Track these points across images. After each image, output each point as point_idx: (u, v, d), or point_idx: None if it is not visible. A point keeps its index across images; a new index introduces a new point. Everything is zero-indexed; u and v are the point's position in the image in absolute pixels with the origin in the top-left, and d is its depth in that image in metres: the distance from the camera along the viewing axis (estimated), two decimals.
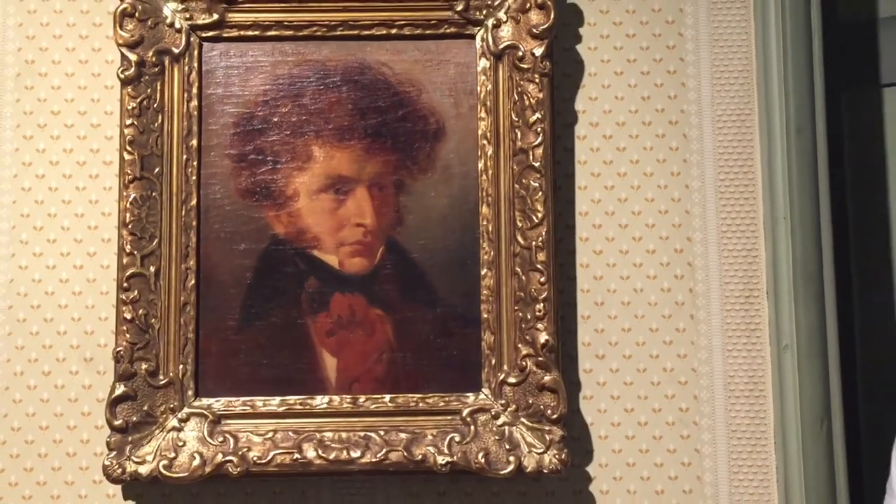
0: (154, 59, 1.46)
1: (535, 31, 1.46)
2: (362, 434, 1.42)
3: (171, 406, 1.42)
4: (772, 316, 1.46)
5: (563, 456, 1.39)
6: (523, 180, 1.45)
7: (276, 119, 1.49)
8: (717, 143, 1.50)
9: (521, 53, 1.46)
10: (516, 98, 1.46)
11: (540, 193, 1.44)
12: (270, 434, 1.41)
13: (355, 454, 1.40)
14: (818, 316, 1.43)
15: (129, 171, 1.44)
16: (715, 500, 1.45)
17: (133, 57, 1.45)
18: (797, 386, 1.44)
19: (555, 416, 1.40)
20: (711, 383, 1.47)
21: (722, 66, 1.54)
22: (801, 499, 1.40)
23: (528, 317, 1.43)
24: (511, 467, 1.39)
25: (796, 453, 1.40)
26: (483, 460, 1.39)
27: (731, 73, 1.53)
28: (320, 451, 1.40)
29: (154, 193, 1.45)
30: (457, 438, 1.41)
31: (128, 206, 1.43)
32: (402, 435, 1.41)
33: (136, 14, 1.46)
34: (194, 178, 1.47)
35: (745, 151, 1.48)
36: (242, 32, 1.50)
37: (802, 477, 1.39)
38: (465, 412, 1.42)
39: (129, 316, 1.41)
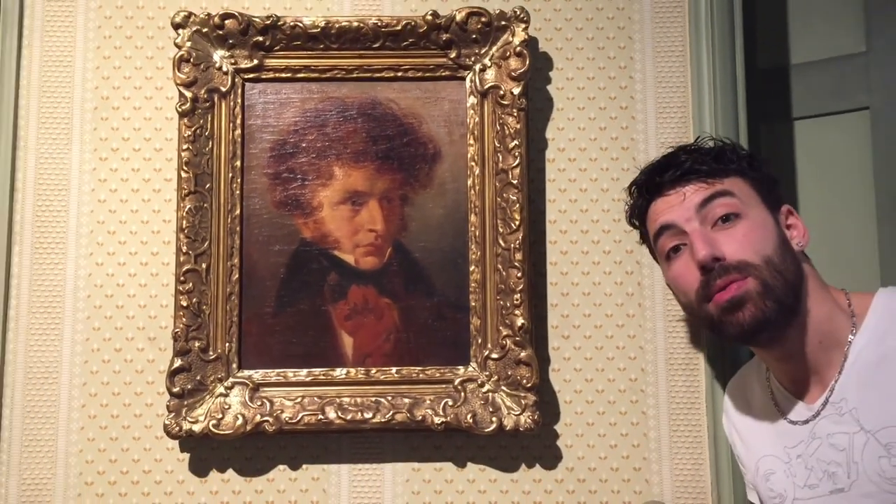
0: (205, 96, 1.53)
1: (513, 74, 1.53)
2: (373, 399, 1.50)
3: (219, 376, 1.51)
4: None
5: (536, 417, 1.48)
6: (504, 194, 1.52)
7: (304, 145, 1.56)
8: None
9: (502, 92, 1.54)
10: (498, 128, 1.54)
11: (517, 205, 1.51)
12: (299, 399, 1.50)
13: (368, 415, 1.49)
14: None
15: (185, 187, 1.51)
16: (658, 453, 1.54)
17: (188, 94, 1.53)
18: (724, 359, 1.52)
19: (529, 385, 1.49)
20: (655, 358, 1.56)
21: (664, 103, 1.61)
22: (727, 451, 1.48)
23: (508, 305, 1.51)
24: (494, 426, 1.48)
25: (722, 413, 1.45)
26: (471, 420, 1.48)
27: (671, 110, 1.61)
28: (339, 413, 1.49)
29: (205, 204, 1.52)
30: (450, 403, 1.50)
31: (184, 214, 1.51)
32: (406, 400, 1.50)
33: (191, 59, 1.53)
34: (238, 192, 1.54)
35: None
36: (277, 74, 1.56)
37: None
38: (456, 381, 1.51)
39: (185, 303, 1.50)
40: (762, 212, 1.19)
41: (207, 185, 1.54)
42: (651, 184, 1.26)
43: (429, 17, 1.56)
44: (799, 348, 1.16)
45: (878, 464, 1.06)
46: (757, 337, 1.16)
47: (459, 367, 1.54)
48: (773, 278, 1.12)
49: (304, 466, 1.55)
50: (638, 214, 1.31)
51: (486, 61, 1.57)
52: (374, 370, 1.54)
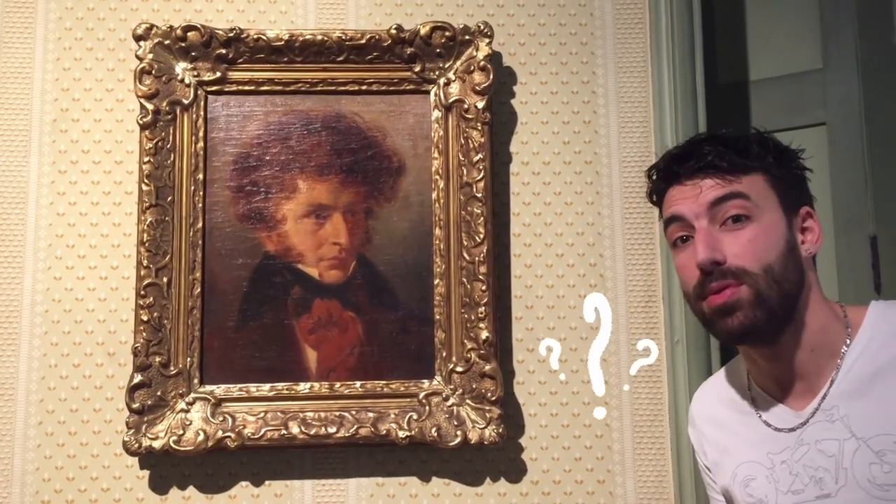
0: (167, 108, 1.48)
1: (477, 88, 1.50)
2: (337, 413, 1.45)
3: (180, 392, 1.45)
4: (666, 317, 1.52)
5: (501, 430, 1.44)
6: (468, 208, 1.49)
7: (268, 158, 1.51)
8: (623, 180, 1.56)
9: (466, 106, 1.50)
10: (462, 142, 1.50)
11: (482, 218, 1.48)
12: (262, 414, 1.45)
13: (332, 430, 1.44)
14: None
15: (146, 200, 1.45)
16: (622, 465, 1.50)
17: (150, 106, 1.47)
18: (686, 373, 1.50)
19: (494, 398, 1.44)
20: (619, 371, 1.52)
21: (626, 118, 1.58)
22: (690, 463, 1.45)
23: (472, 318, 1.46)
24: (458, 440, 1.43)
25: (685, 427, 1.42)
26: (436, 434, 1.44)
27: (633, 124, 1.58)
28: (303, 428, 1.44)
29: (167, 218, 1.46)
30: (414, 416, 1.45)
31: (145, 227, 1.45)
32: (370, 414, 1.45)
33: (153, 72, 1.48)
34: (200, 205, 1.48)
35: (645, 187, 1.42)
36: (241, 87, 1.51)
37: (690, 445, 1.39)
38: (421, 395, 1.46)
39: (145, 318, 1.44)
40: (775, 214, 1.13)
41: (169, 198, 1.48)
42: (669, 171, 1.19)
43: (393, 31, 1.52)
44: (790, 353, 1.13)
45: (868, 470, 1.03)
46: (744, 342, 1.13)
47: (424, 380, 1.49)
48: (769, 288, 1.08)
49: (267, 482, 1.49)
50: (657, 194, 1.25)
51: (451, 75, 1.53)
52: (338, 384, 1.48)
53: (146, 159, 1.47)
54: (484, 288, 1.47)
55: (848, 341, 1.11)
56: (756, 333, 1.09)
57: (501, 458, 1.50)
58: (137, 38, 1.49)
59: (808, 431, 1.10)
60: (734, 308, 1.08)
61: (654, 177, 1.23)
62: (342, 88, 1.53)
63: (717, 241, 1.10)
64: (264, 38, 1.50)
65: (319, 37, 1.51)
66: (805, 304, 1.12)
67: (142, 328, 1.44)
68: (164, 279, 1.46)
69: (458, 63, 1.52)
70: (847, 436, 1.06)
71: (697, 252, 1.10)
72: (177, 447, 1.42)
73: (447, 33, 1.51)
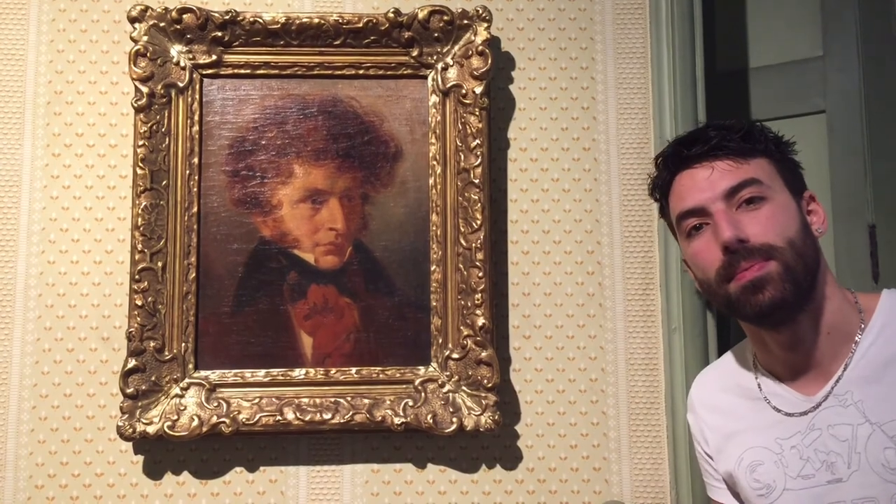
0: (162, 91, 1.45)
1: (475, 73, 1.47)
2: (333, 400, 1.43)
3: (175, 377, 1.42)
4: (663, 304, 1.50)
5: (497, 417, 1.42)
6: (465, 194, 1.46)
7: (263, 142, 1.48)
8: (621, 166, 1.54)
9: (464, 91, 1.48)
10: (460, 127, 1.47)
11: (479, 205, 1.45)
12: (257, 400, 1.43)
13: (327, 416, 1.42)
14: (700, 304, 1.49)
15: (140, 184, 1.43)
16: (618, 454, 1.48)
17: (145, 89, 1.44)
18: (683, 361, 1.48)
19: (490, 385, 1.42)
20: (615, 358, 1.50)
21: (625, 104, 1.55)
22: (686, 451, 1.44)
23: (469, 304, 1.44)
24: (454, 426, 1.42)
25: (682, 415, 1.42)
26: (431, 421, 1.42)
27: (632, 110, 1.55)
28: (298, 414, 1.42)
29: (161, 202, 1.44)
30: (410, 403, 1.43)
31: (140, 212, 1.43)
32: (366, 400, 1.43)
33: (148, 54, 1.45)
34: (195, 189, 1.46)
35: (643, 174, 1.50)
36: (236, 71, 1.48)
37: (686, 434, 1.42)
38: (417, 382, 1.44)
39: (139, 303, 1.41)
40: (786, 195, 1.13)
41: (164, 182, 1.46)
42: (678, 157, 1.18)
43: (391, 15, 1.49)
44: (808, 336, 1.12)
45: (882, 454, 1.03)
46: (771, 318, 1.11)
47: (420, 367, 1.47)
48: (795, 261, 1.08)
49: (262, 468, 1.47)
50: (661, 187, 1.23)
51: (449, 60, 1.50)
52: (333, 370, 1.46)
53: (141, 142, 1.44)
54: (481, 274, 1.45)
55: (862, 326, 1.10)
56: (786, 308, 1.08)
57: (497, 446, 1.49)
58: (132, 20, 1.46)
59: (820, 416, 1.09)
60: (764, 283, 1.07)
61: (661, 165, 1.21)
62: (339, 72, 1.50)
63: (737, 220, 1.09)
64: (260, 21, 1.47)
65: (316, 20, 1.48)
66: (822, 285, 1.12)
67: (136, 313, 1.42)
68: (159, 264, 1.43)
69: (456, 47, 1.50)
70: (861, 420, 1.05)
71: (721, 231, 1.08)
72: (171, 432, 1.40)
73: (445, 17, 1.48)
